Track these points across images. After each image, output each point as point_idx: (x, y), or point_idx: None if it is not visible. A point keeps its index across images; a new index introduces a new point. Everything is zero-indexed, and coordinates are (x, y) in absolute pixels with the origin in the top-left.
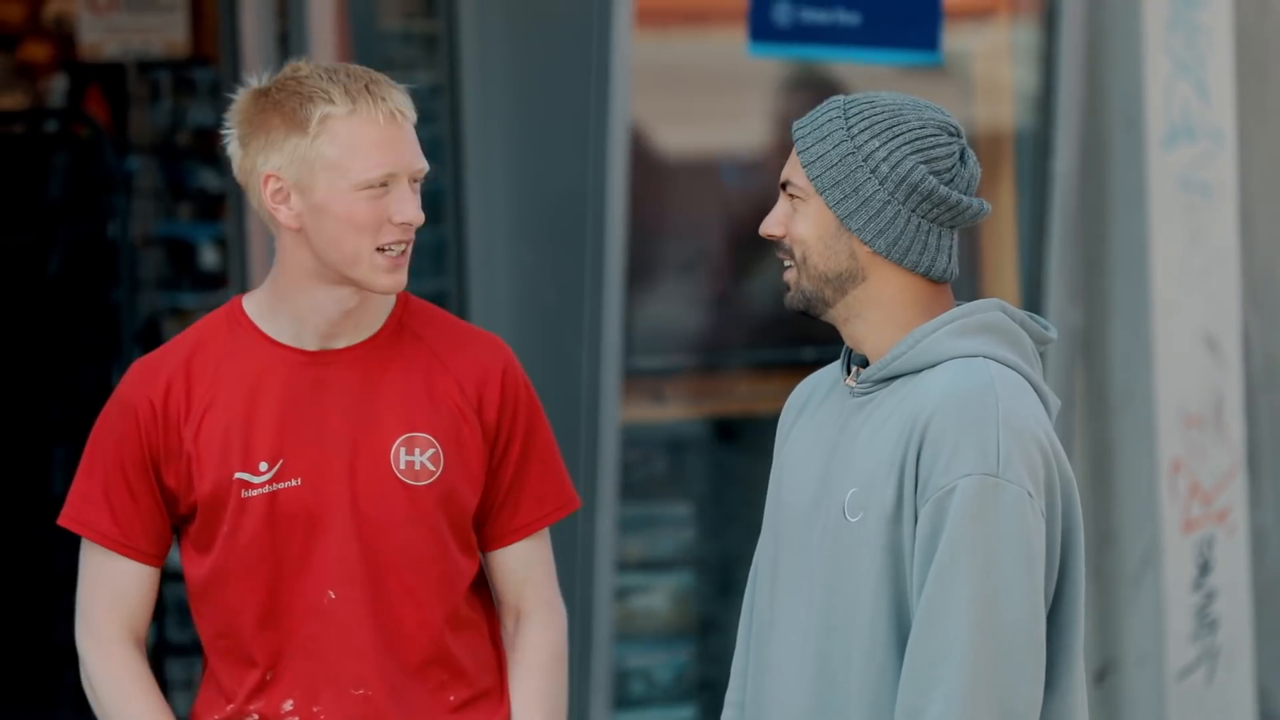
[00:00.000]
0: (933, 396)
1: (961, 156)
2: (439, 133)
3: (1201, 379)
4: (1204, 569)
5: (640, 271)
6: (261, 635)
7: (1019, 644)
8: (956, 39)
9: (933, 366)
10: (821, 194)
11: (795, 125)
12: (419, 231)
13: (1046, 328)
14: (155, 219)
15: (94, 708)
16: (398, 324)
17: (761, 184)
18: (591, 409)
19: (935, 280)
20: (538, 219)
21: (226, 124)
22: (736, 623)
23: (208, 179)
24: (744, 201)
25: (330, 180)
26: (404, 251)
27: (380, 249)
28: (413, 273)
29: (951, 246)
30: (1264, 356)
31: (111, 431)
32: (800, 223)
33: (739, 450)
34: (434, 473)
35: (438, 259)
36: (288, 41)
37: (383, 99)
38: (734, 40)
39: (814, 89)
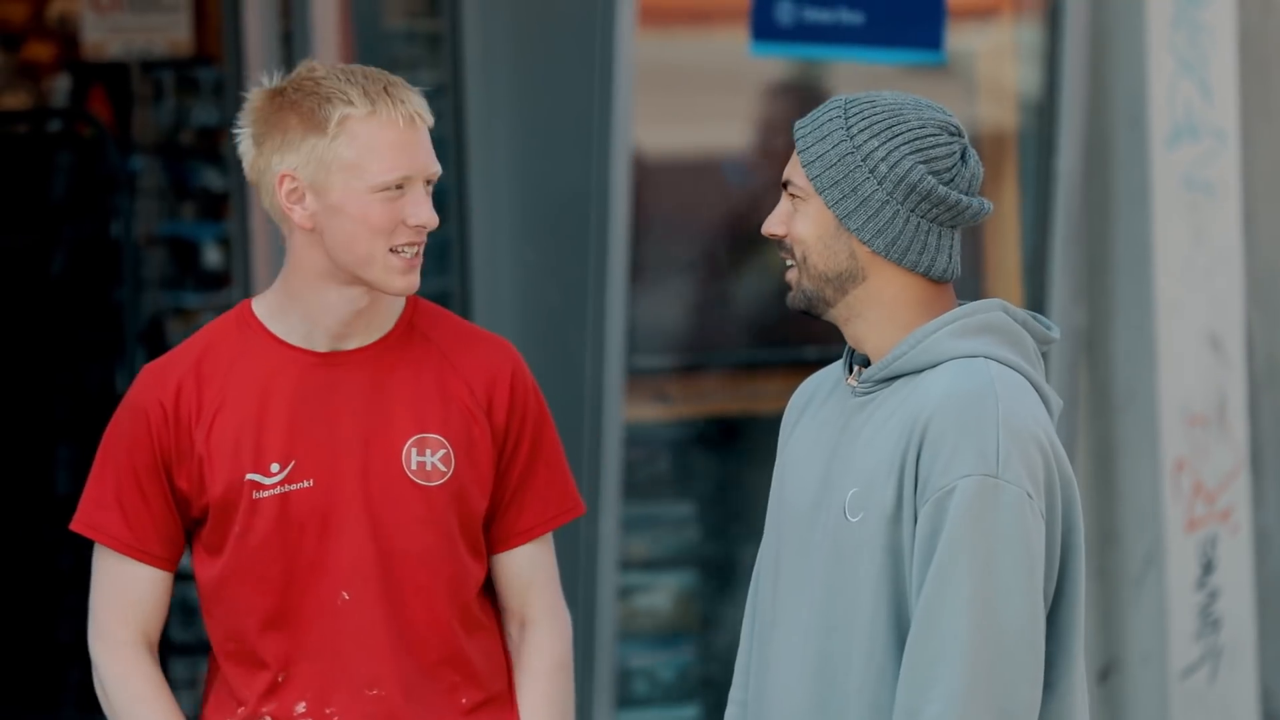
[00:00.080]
0: (933, 397)
1: (962, 156)
2: (442, 132)
3: (1205, 378)
4: (1207, 568)
5: (643, 271)
6: (273, 637)
7: (1017, 645)
8: (960, 38)
9: (934, 367)
10: (821, 193)
11: (797, 125)
12: None
13: (1049, 328)
14: (159, 218)
15: (106, 712)
16: (408, 325)
17: (765, 182)
18: (595, 408)
19: (936, 280)
20: (541, 218)
21: (239, 123)
22: (739, 622)
23: (211, 178)
24: (747, 200)
25: (347, 181)
26: (417, 253)
27: (394, 250)
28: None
29: (952, 246)
30: (1267, 355)
31: (123, 436)
32: (801, 222)
33: (742, 450)
34: (445, 473)
35: (441, 258)
36: (291, 41)
37: (401, 101)
38: (736, 40)
39: (799, 90)
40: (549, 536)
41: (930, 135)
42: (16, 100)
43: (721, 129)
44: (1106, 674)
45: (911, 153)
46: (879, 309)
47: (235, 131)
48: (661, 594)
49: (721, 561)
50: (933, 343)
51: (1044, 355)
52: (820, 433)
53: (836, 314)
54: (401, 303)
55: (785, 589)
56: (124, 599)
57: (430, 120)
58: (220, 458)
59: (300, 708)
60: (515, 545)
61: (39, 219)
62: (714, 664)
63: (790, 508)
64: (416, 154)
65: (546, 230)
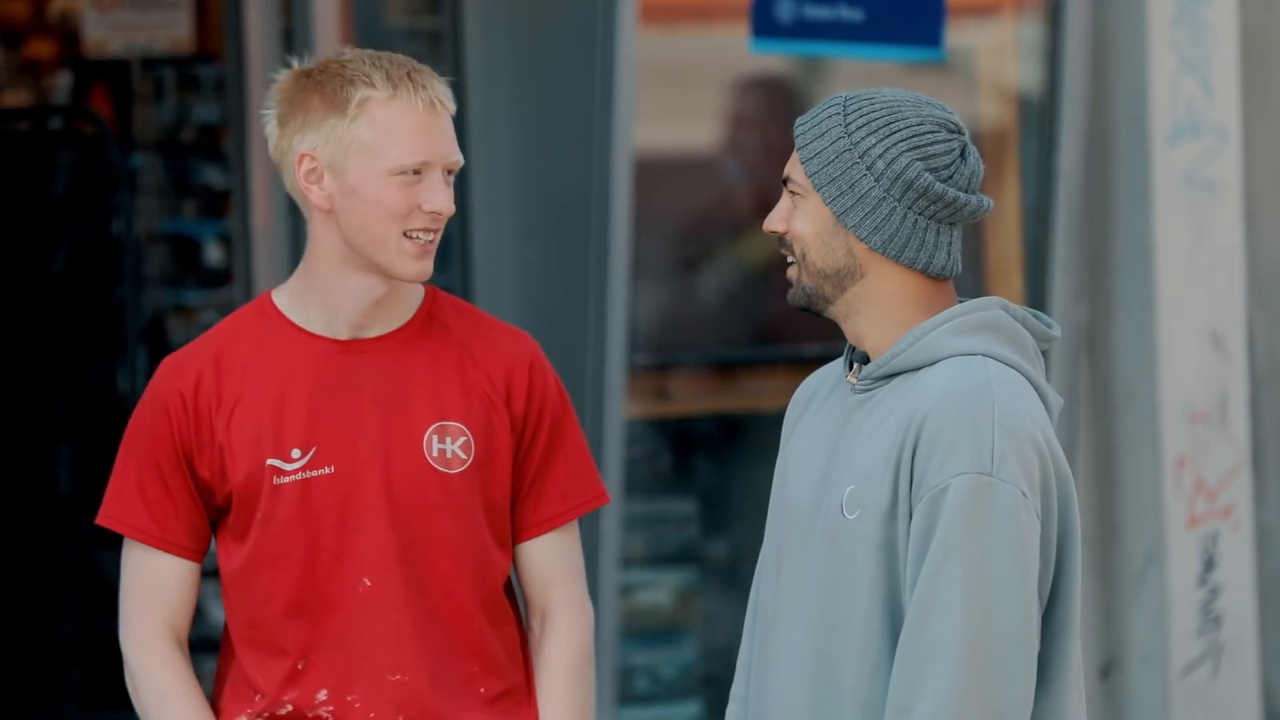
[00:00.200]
0: (930, 395)
1: (962, 153)
2: None
3: (1206, 375)
4: (1208, 565)
5: (644, 268)
6: (293, 624)
7: (1010, 644)
8: (961, 35)
9: (932, 364)
10: (819, 190)
11: (797, 122)
12: None
13: (1050, 326)
14: (160, 216)
15: (136, 707)
16: (427, 316)
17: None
18: (596, 406)
19: (935, 277)
20: (542, 216)
21: (266, 103)
22: (740, 619)
23: (212, 176)
24: (748, 197)
25: (364, 163)
26: (432, 241)
27: (408, 235)
28: None
29: (950, 243)
30: (1269, 353)
31: (144, 428)
32: (800, 219)
33: (743, 447)
34: (465, 461)
35: (442, 256)
36: (292, 38)
37: (423, 86)
38: (737, 37)
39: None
40: (573, 527)
41: (929, 132)
42: (17, 98)
43: (723, 125)
44: (1108, 671)
45: (909, 150)
46: (878, 306)
47: (264, 112)
48: (662, 591)
49: (722, 559)
50: (931, 340)
51: (1044, 353)
52: (821, 430)
53: (836, 311)
54: (421, 293)
55: (786, 586)
56: (151, 592)
57: (452, 108)
58: (241, 445)
59: (322, 695)
60: (536, 535)
61: (40, 216)
62: (715, 661)
63: (791, 505)
64: (436, 140)
65: (547, 228)
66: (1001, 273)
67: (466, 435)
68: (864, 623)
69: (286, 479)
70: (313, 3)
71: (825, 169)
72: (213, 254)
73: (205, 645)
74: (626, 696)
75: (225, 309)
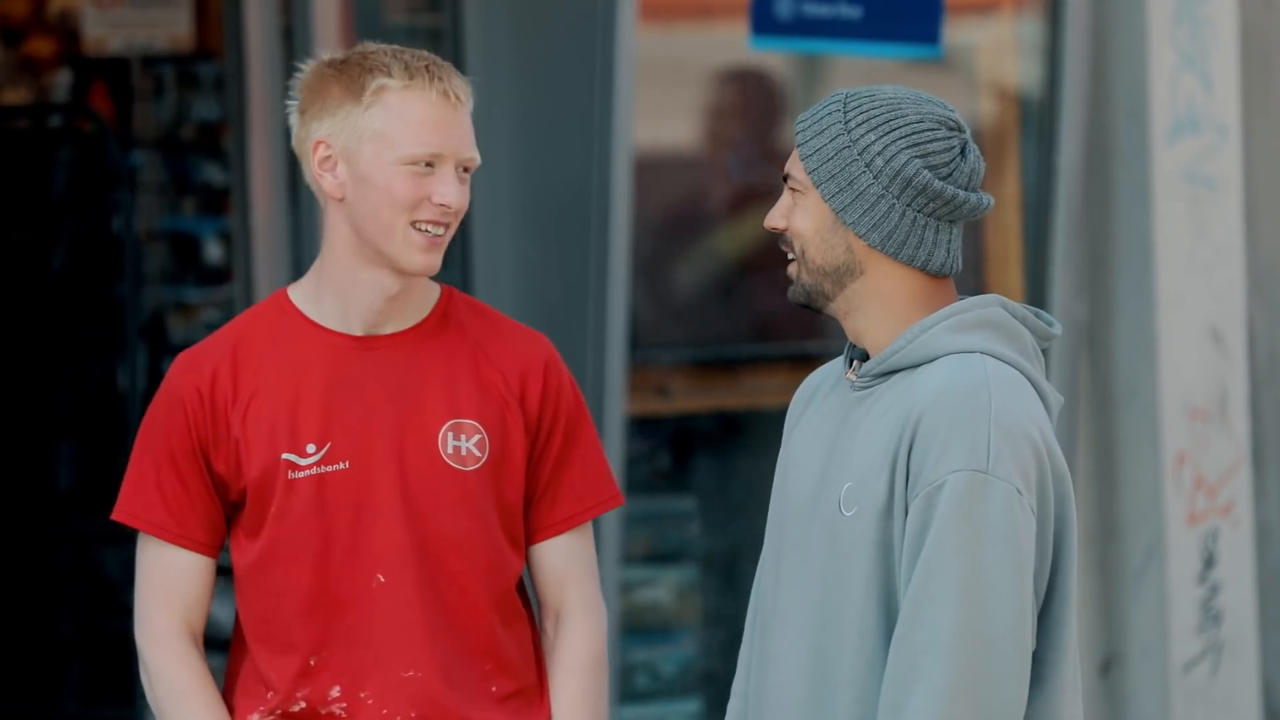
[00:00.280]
0: (927, 392)
1: (962, 151)
2: None
3: (1206, 372)
4: (1208, 562)
5: (644, 265)
6: (307, 620)
7: (1003, 641)
8: (961, 32)
9: (930, 361)
10: (818, 187)
11: (798, 119)
12: None
13: (1050, 324)
14: (159, 214)
15: (150, 704)
16: (443, 314)
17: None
18: (596, 403)
19: (934, 275)
20: (542, 214)
21: (290, 95)
22: (740, 616)
23: (212, 173)
24: (748, 194)
25: (376, 151)
26: (441, 235)
27: (415, 226)
28: None
29: (950, 241)
30: (1269, 350)
31: (160, 423)
32: (800, 216)
33: (744, 444)
34: (480, 459)
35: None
36: (292, 36)
37: (440, 79)
38: (736, 34)
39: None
40: (587, 529)
41: (928, 130)
42: (17, 95)
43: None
44: (1108, 668)
45: (908, 147)
46: (877, 303)
47: (288, 104)
48: (663, 588)
49: (723, 556)
50: (929, 338)
51: (1044, 350)
52: (821, 427)
53: (835, 308)
54: (437, 292)
55: (785, 583)
56: (166, 587)
57: (469, 104)
58: (257, 440)
59: (335, 692)
60: (550, 536)
61: (40, 214)
62: (715, 658)
63: (791, 501)
64: (449, 133)
65: (547, 225)
66: (1001, 270)
67: (481, 433)
68: (859, 619)
69: (302, 474)
70: (313, 0)
71: (824, 166)
72: (212, 251)
73: (208, 644)
74: (626, 694)
75: (225, 306)
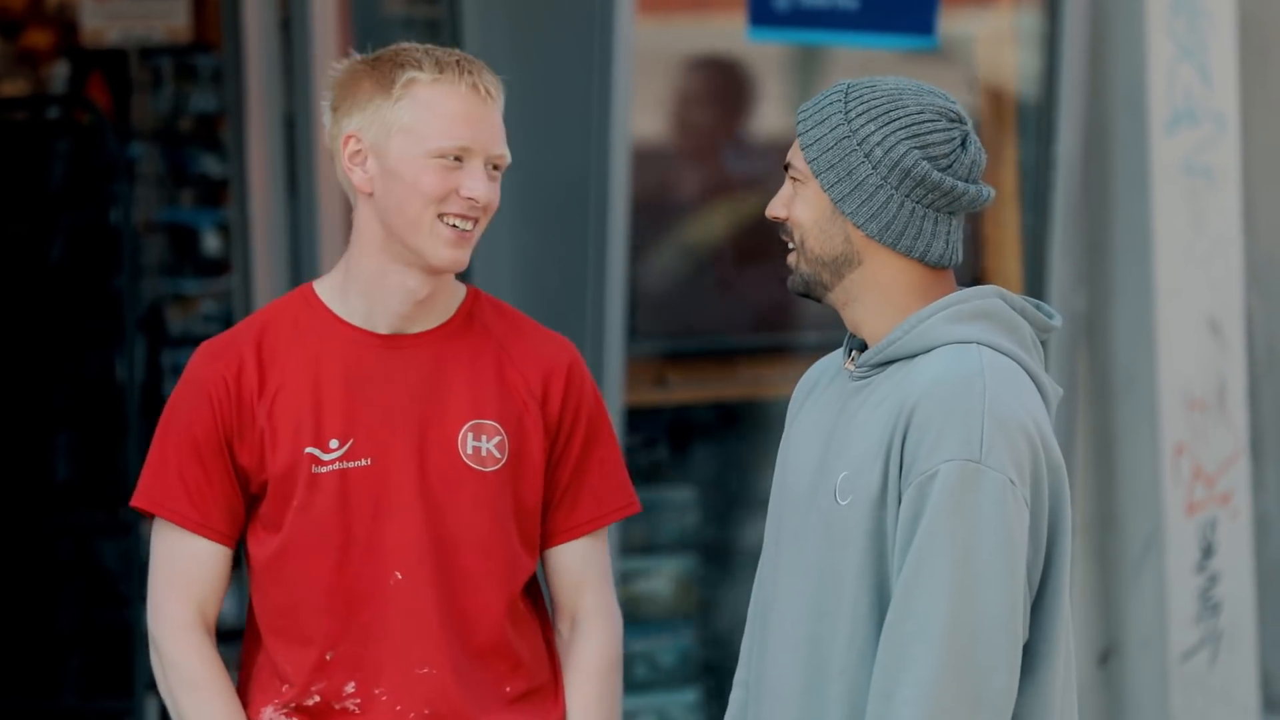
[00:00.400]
0: (922, 382)
1: (963, 143)
2: None
3: (1204, 362)
4: (1207, 552)
5: (643, 256)
6: (324, 615)
7: (993, 631)
8: (960, 23)
9: (927, 352)
10: (818, 177)
11: (799, 109)
12: None
13: (1050, 316)
14: (157, 205)
15: (162, 694)
16: (467, 314)
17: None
18: None
19: (933, 266)
20: (541, 204)
21: (325, 94)
22: (739, 607)
23: (210, 165)
24: (746, 185)
25: (404, 145)
26: (469, 231)
27: (442, 218)
28: None
29: (949, 232)
30: (1267, 340)
31: (183, 411)
32: (800, 205)
33: (742, 435)
34: (499, 460)
35: None
36: (290, 27)
37: (470, 72)
38: (734, 25)
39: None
40: (603, 533)
41: (928, 121)
42: (15, 87)
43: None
44: (1106, 658)
45: (908, 138)
46: (875, 293)
47: (323, 102)
48: (662, 579)
49: (721, 546)
50: (927, 328)
51: (1043, 342)
52: (820, 417)
53: (834, 298)
54: (462, 293)
55: (784, 572)
56: (184, 576)
57: (500, 100)
58: (283, 433)
59: (350, 687)
60: (568, 540)
61: (37, 206)
62: (714, 648)
63: (790, 491)
64: (479, 128)
65: (546, 216)
66: (1000, 260)
67: (502, 435)
68: (852, 608)
69: (325, 469)
70: None
71: (824, 155)
72: (210, 243)
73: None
74: (626, 684)
75: (223, 298)
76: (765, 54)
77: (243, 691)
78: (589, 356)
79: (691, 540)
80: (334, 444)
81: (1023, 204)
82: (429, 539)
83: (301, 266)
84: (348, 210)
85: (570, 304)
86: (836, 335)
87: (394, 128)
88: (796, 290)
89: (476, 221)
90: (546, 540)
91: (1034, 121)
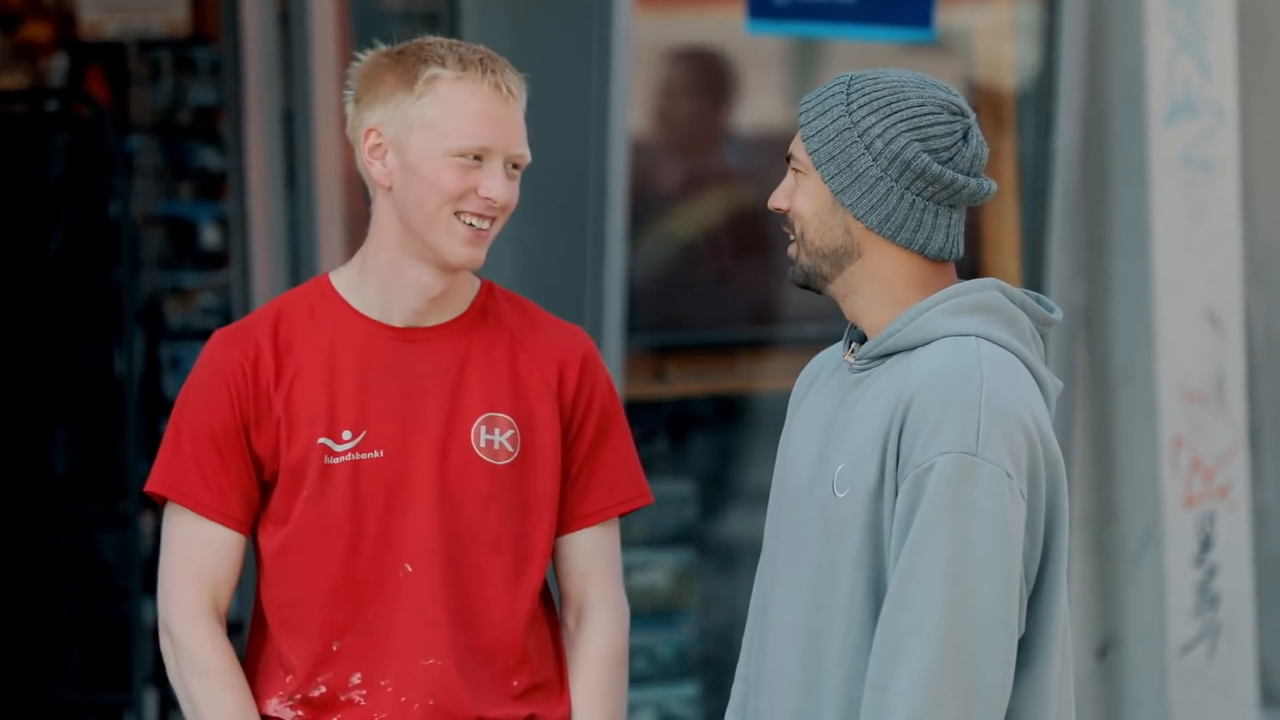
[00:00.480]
0: (919, 374)
1: (965, 136)
2: None
3: (1203, 355)
4: (1205, 544)
5: (642, 250)
6: (332, 606)
7: (989, 624)
8: (959, 15)
9: (926, 344)
10: (818, 168)
11: (801, 100)
12: None
13: (1051, 309)
14: (156, 198)
15: (173, 681)
16: (481, 307)
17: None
18: None
19: (933, 259)
20: (539, 197)
21: (348, 85)
22: (737, 600)
23: (209, 158)
24: (746, 178)
25: (425, 142)
26: (486, 229)
27: (459, 216)
28: None
29: (950, 225)
30: (1266, 333)
31: (199, 397)
32: (801, 197)
33: (740, 428)
34: (511, 454)
35: None
36: (289, 20)
37: (493, 71)
38: (733, 18)
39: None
40: (614, 524)
41: (930, 114)
42: (13, 80)
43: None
44: (1105, 651)
45: (909, 130)
46: (875, 286)
47: (345, 93)
48: (660, 572)
49: (720, 540)
50: (925, 321)
51: (1042, 336)
52: (820, 409)
53: (834, 290)
54: (477, 285)
55: (783, 565)
56: (197, 563)
57: (522, 101)
58: (299, 421)
59: (355, 678)
60: (577, 529)
61: (36, 199)
62: (712, 642)
63: (790, 484)
64: (500, 127)
65: (545, 210)
66: (999, 253)
67: (514, 428)
68: (849, 600)
69: (338, 459)
70: None
71: (825, 147)
72: (209, 236)
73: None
74: None
75: (222, 291)
76: (764, 47)
77: (248, 683)
78: None
79: (691, 534)
80: (347, 435)
81: (1021, 196)
82: (441, 532)
83: (300, 260)
84: (346, 204)
85: (569, 298)
86: (835, 328)
87: (415, 124)
88: (797, 282)
89: (494, 220)
90: (557, 529)
91: (1033, 114)
